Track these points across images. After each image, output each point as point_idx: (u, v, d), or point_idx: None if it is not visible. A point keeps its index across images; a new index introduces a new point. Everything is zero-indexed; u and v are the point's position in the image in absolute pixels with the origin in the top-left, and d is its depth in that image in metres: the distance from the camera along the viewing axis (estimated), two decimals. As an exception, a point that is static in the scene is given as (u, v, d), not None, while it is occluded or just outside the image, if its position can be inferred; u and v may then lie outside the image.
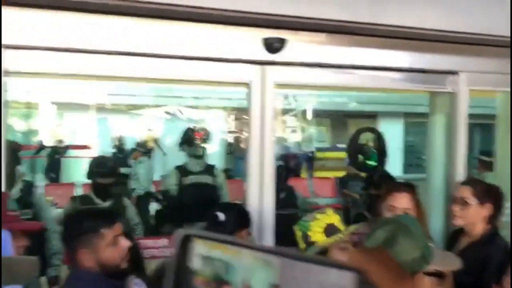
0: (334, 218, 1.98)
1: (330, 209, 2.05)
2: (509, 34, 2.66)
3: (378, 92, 11.37)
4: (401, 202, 2.34)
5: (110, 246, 1.68)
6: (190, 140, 4.08)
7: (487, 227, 2.50)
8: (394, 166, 12.63)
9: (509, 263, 1.94)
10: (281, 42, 2.60)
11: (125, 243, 1.72)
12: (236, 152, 11.83)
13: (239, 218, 2.31)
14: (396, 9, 2.52)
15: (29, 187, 3.37)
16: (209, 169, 4.12)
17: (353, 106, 12.12)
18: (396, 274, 0.44)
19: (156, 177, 7.42)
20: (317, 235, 1.95)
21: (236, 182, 7.98)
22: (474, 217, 2.47)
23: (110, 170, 3.40)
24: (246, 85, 2.71)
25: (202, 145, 4.13)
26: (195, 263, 0.48)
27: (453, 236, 2.73)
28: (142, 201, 5.86)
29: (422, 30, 2.61)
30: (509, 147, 3.87)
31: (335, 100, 12.07)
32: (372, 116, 12.99)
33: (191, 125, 7.87)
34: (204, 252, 0.48)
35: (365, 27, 2.58)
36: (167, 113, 11.60)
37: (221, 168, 8.26)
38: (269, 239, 2.70)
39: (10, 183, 2.90)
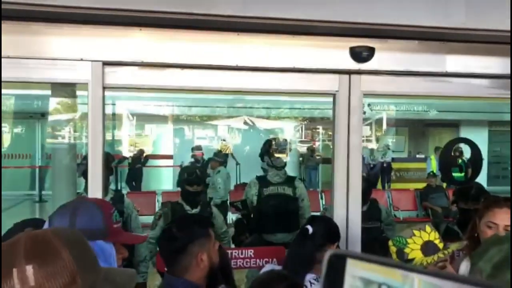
0: (433, 235, 1.88)
1: (429, 225, 1.95)
2: None
3: (460, 99, 10.81)
4: (503, 218, 2.19)
5: (213, 247, 1.82)
6: (270, 150, 4.11)
7: None
8: (479, 177, 11.84)
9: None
10: (370, 50, 2.54)
11: (217, 244, 1.88)
12: (308, 163, 11.74)
13: (328, 231, 2.27)
14: (488, 12, 2.38)
15: (119, 195, 3.55)
16: (289, 181, 4.12)
17: (433, 114, 11.61)
18: None
19: (231, 186, 7.56)
20: (415, 252, 1.87)
21: (311, 194, 7.93)
22: None
23: (198, 178, 3.54)
24: (333, 95, 2.67)
25: (282, 156, 4.15)
26: (354, 285, 0.46)
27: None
28: (220, 211, 5.96)
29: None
30: None
31: (414, 108, 11.64)
32: (454, 124, 12.36)
33: (264, 135, 7.93)
34: (365, 274, 0.46)
35: (459, 33, 2.46)
36: (242, 123, 11.80)
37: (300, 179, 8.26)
38: (357, 250, 2.62)
39: (105, 193, 3.07)
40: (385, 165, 10.50)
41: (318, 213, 4.35)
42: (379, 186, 10.28)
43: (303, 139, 15.81)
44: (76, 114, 3.35)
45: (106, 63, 2.45)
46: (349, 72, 2.63)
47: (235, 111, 12.30)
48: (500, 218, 2.20)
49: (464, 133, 11.79)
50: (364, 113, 11.27)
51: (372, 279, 0.45)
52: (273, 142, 4.27)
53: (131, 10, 2.14)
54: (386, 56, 2.59)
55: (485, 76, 2.77)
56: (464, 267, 2.18)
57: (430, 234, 1.88)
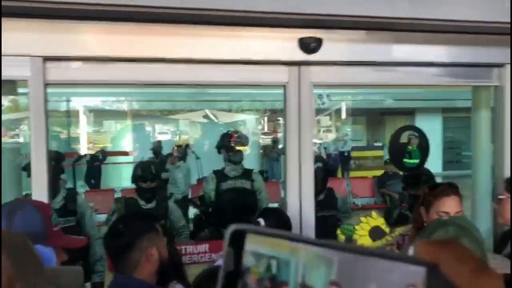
0: (380, 221, 1.93)
1: (375, 211, 2.00)
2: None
3: (415, 88, 11.11)
4: (452, 205, 2.26)
5: (162, 242, 1.78)
6: (228, 144, 4.09)
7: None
8: (433, 163, 12.29)
9: None
10: (318, 41, 2.55)
11: (165, 239, 1.84)
12: (271, 154, 11.79)
13: (279, 223, 2.28)
14: (436, 2, 2.43)
15: (72, 194, 3.45)
16: (247, 174, 4.10)
17: (389, 103, 11.88)
18: (473, 266, 0.40)
19: (193, 181, 7.49)
20: (363, 239, 1.92)
21: (272, 185, 7.96)
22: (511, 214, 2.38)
23: (152, 175, 3.49)
24: (283, 86, 2.68)
25: (240, 149, 4.13)
26: (248, 260, 0.45)
27: (503, 237, 2.61)
28: (181, 206, 5.90)
29: (464, 23, 2.51)
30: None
31: (371, 98, 11.88)
32: (410, 112, 12.69)
33: (225, 129, 7.90)
34: (257, 248, 0.45)
35: (406, 23, 2.51)
36: (203, 117, 11.71)
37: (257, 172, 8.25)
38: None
39: (54, 193, 2.98)
40: (345, 154, 10.68)
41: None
42: (339, 175, 10.45)
43: (266, 131, 15.86)
44: (21, 112, 3.22)
45: (47, 59, 2.36)
46: (298, 63, 2.64)
47: (197, 105, 12.19)
48: (450, 206, 2.26)
49: (419, 120, 12.15)
50: (323, 103, 11.45)
51: (263, 253, 0.44)
52: (231, 136, 4.22)
53: (74, 3, 2.06)
54: (334, 46, 2.61)
55: (432, 64, 2.84)
56: (412, 252, 2.24)
57: (377, 220, 1.94)
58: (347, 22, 2.51)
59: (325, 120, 14.58)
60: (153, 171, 3.50)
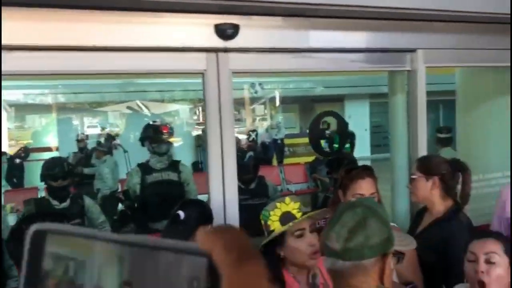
0: (292, 206, 1.94)
1: (289, 197, 2.02)
2: (462, 9, 2.66)
3: (343, 75, 11.45)
4: (367, 188, 2.33)
5: None
6: (151, 136, 3.95)
7: (449, 204, 2.51)
8: (362, 147, 12.83)
9: (471, 240, 1.93)
10: (235, 28, 2.51)
11: None
12: (204, 144, 11.68)
13: (200, 215, 2.23)
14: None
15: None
16: (173, 165, 4.01)
17: (319, 90, 12.16)
18: (236, 255, 0.39)
19: (122, 175, 7.24)
20: (275, 224, 1.94)
21: (204, 175, 7.86)
22: (423, 192, 2.50)
23: (63, 172, 3.27)
24: (201, 74, 2.61)
25: (166, 140, 4.01)
26: (48, 263, 0.40)
27: (417, 215, 2.73)
28: (109, 201, 5.69)
29: (379, 9, 2.57)
30: (469, 122, 3.93)
31: (302, 86, 12.08)
32: (339, 99, 13.07)
33: (156, 120, 7.68)
34: (58, 249, 0.40)
35: (321, 9, 2.52)
36: (129, 108, 11.33)
37: (190, 162, 8.12)
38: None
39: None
40: (278, 141, 10.81)
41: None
42: (274, 162, 10.57)
43: (200, 121, 15.70)
44: None
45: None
46: (216, 50, 2.58)
47: (127, 96, 11.80)
48: (365, 188, 2.33)
49: (348, 106, 12.56)
50: (256, 92, 11.50)
51: (62, 254, 0.40)
52: (155, 126, 4.08)
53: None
54: (252, 33, 2.58)
55: (349, 50, 2.88)
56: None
57: (289, 205, 1.95)
58: (263, 8, 2.48)
59: (260, 109, 14.68)
60: (65, 168, 3.29)
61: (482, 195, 3.46)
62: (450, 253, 2.31)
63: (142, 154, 4.20)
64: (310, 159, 8.76)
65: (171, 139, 4.24)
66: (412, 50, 2.94)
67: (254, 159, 4.14)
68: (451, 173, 2.54)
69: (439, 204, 2.52)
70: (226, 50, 2.60)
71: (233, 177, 2.65)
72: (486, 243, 1.84)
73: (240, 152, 4.06)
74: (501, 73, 3.64)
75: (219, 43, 2.55)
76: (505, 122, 3.64)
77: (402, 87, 3.16)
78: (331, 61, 2.86)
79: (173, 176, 3.91)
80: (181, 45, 2.52)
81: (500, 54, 3.16)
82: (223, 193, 2.62)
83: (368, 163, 11.11)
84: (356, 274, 1.16)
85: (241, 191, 3.98)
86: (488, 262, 1.79)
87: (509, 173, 3.51)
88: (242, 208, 3.56)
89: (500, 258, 1.78)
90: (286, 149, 10.73)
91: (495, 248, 1.80)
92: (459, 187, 2.59)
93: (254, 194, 3.91)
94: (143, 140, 3.99)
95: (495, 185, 3.50)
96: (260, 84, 10.52)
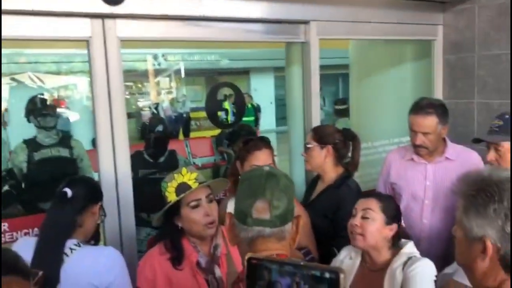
0: (188, 177, 1.93)
1: (186, 167, 2.00)
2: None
3: (248, 48, 11.48)
4: (264, 158, 2.35)
5: None
6: (36, 109, 3.63)
7: (340, 172, 2.63)
8: (268, 119, 13.14)
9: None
10: (120, -8, 2.34)
11: None
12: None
13: (88, 192, 2.10)
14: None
15: None
16: (64, 141, 3.74)
17: (225, 63, 12.09)
18: None
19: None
20: (171, 195, 1.93)
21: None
22: (318, 160, 2.61)
23: None
24: (86, 42, 2.41)
25: (52, 112, 3.70)
26: None
27: (311, 183, 2.84)
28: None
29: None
30: (360, 93, 4.13)
31: (208, 58, 11.92)
32: (245, 72, 13.13)
33: (43, 93, 7.09)
34: None
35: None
36: (15, 80, 10.40)
37: (89, 138, 7.68)
38: (129, 208, 2.53)
39: None
40: (184, 115, 10.64)
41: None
42: (181, 136, 10.41)
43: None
44: None
45: None
46: (102, 16, 2.39)
47: (19, 67, 10.80)
48: (262, 159, 2.34)
49: (254, 79, 12.68)
50: (159, 64, 11.14)
51: None
52: (42, 99, 3.75)
53: None
54: (141, -1, 2.43)
55: (245, 20, 2.84)
56: (230, 206, 2.29)
57: (185, 176, 1.94)
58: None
59: (165, 82, 14.29)
60: None
61: (371, 161, 3.69)
62: (339, 217, 2.44)
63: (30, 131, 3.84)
64: (217, 132, 8.77)
65: (68, 114, 3.95)
66: (306, 22, 2.99)
67: (161, 132, 4.02)
68: (343, 142, 2.65)
69: (331, 172, 2.63)
70: (113, 16, 2.42)
71: (125, 153, 2.52)
72: (366, 201, 1.98)
73: (147, 126, 3.91)
74: (391, 46, 3.87)
75: (105, 8, 2.37)
76: (392, 92, 3.89)
77: (299, 59, 3.21)
78: (225, 30, 2.80)
79: (64, 152, 3.66)
80: (63, 10, 2.30)
81: (391, 28, 3.33)
82: (114, 170, 2.49)
83: (273, 135, 11.40)
84: (280, 238, 1.20)
85: (150, 164, 3.88)
86: (364, 217, 1.91)
87: (395, 140, 3.78)
88: (151, 181, 3.47)
89: (376, 214, 1.92)
90: (192, 122, 10.61)
91: (371, 205, 1.94)
92: (350, 155, 2.73)
93: (164, 168, 3.82)
94: (27, 114, 3.66)
95: (382, 152, 3.75)
96: (163, 55, 10.18)
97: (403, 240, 1.97)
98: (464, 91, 3.51)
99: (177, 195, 1.89)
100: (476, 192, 1.07)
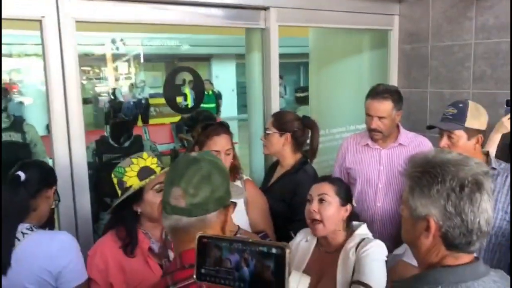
0: (150, 161, 1.92)
1: (147, 152, 1.99)
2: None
3: (210, 34, 11.37)
4: (222, 144, 2.35)
5: None
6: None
7: (298, 158, 2.68)
8: (229, 107, 13.09)
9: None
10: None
11: None
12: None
13: (41, 175, 2.05)
14: None
15: None
16: (16, 125, 3.61)
17: (186, 49, 11.92)
18: None
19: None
20: (132, 180, 1.90)
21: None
22: (276, 146, 2.66)
23: None
24: (38, 22, 2.32)
25: (5, 96, 3.57)
26: None
27: (270, 168, 2.87)
28: None
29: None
30: (319, 81, 4.19)
31: (168, 43, 11.71)
32: (206, 58, 13.00)
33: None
34: None
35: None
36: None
37: (44, 123, 7.44)
38: (84, 194, 2.48)
39: None
40: (143, 101, 10.46)
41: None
42: (139, 123, 10.24)
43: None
44: None
45: None
46: (56, -4, 2.31)
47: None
48: (221, 144, 2.35)
49: (215, 66, 12.59)
50: (117, 48, 10.86)
51: None
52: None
53: None
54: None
55: (204, 4, 2.81)
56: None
57: (147, 160, 1.93)
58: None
59: (123, 67, 13.96)
60: None
61: (329, 148, 3.77)
62: (296, 201, 2.49)
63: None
64: (177, 119, 8.68)
65: (21, 98, 3.81)
66: (266, 8, 2.99)
67: (123, 117, 3.98)
68: (302, 130, 2.69)
69: (289, 158, 2.67)
70: (67, -4, 2.35)
71: (81, 139, 2.46)
72: (320, 186, 2.02)
73: (110, 111, 3.86)
74: (349, 35, 3.94)
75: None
76: (349, 81, 3.97)
77: (259, 46, 3.22)
78: (185, 14, 2.77)
79: (16, 137, 3.54)
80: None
81: (349, 17, 3.39)
82: (69, 156, 2.43)
83: (235, 123, 11.38)
84: (200, 228, 1.15)
85: (115, 149, 3.84)
86: (321, 202, 1.96)
87: (351, 127, 3.87)
88: (116, 166, 3.41)
89: (331, 198, 1.97)
90: (152, 109, 10.45)
91: (327, 190, 1.99)
92: (308, 142, 2.78)
93: (129, 153, 3.78)
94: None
95: (339, 139, 3.83)
96: (121, 40, 9.93)
97: (356, 222, 2.03)
98: (418, 81, 3.64)
99: (140, 179, 1.87)
100: (421, 174, 1.12)
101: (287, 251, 0.85)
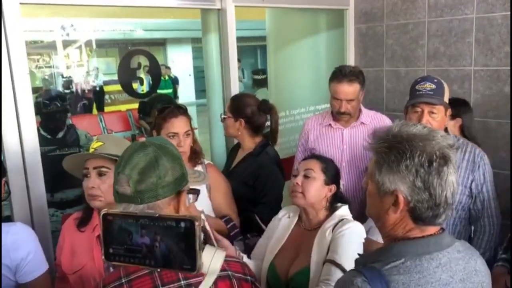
0: (93, 145, 1.87)
1: (98, 137, 1.92)
2: None
3: (165, 18, 11.08)
4: (181, 126, 2.30)
5: None
6: None
7: (258, 140, 2.67)
8: (187, 92, 12.89)
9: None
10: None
11: None
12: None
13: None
14: None
15: None
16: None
17: (140, 34, 11.58)
18: None
19: None
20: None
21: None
22: (232, 130, 2.65)
23: None
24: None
25: None
26: None
27: (231, 151, 2.85)
28: None
29: None
30: (277, 63, 4.17)
31: (121, 28, 11.33)
32: (161, 43, 12.71)
33: None
34: None
35: None
36: None
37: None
38: (39, 184, 2.36)
39: None
40: (97, 88, 10.11)
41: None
42: (94, 111, 9.91)
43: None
44: None
45: None
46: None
47: None
48: (179, 126, 2.30)
49: (171, 50, 12.33)
50: (68, 34, 10.41)
51: None
52: None
53: None
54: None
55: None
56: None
57: (93, 144, 1.86)
58: None
59: (75, 54, 13.43)
60: None
61: (289, 129, 3.78)
62: (259, 184, 2.47)
63: None
64: (134, 106, 8.45)
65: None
66: (222, -12, 2.92)
67: (57, 107, 3.74)
68: (258, 114, 2.65)
69: (248, 142, 2.66)
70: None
71: (32, 128, 2.34)
72: (308, 162, 2.04)
73: (41, 101, 3.62)
74: (305, 16, 3.92)
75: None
76: (307, 62, 3.97)
77: (215, 28, 3.15)
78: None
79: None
80: None
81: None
82: (20, 147, 2.31)
83: (193, 108, 11.23)
84: None
85: (48, 141, 3.63)
86: (306, 176, 1.96)
87: (311, 108, 3.89)
88: (51, 159, 3.26)
89: (316, 174, 1.98)
90: (107, 96, 10.14)
91: (313, 166, 2.00)
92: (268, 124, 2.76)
93: (64, 144, 3.62)
94: None
95: (299, 120, 3.84)
96: (72, 25, 9.51)
97: (339, 204, 2.04)
98: (374, 60, 3.68)
99: None
100: (389, 149, 1.11)
101: (196, 223, 0.83)
